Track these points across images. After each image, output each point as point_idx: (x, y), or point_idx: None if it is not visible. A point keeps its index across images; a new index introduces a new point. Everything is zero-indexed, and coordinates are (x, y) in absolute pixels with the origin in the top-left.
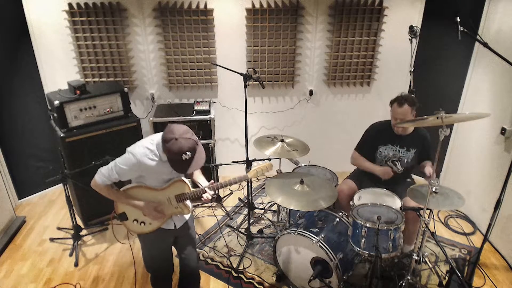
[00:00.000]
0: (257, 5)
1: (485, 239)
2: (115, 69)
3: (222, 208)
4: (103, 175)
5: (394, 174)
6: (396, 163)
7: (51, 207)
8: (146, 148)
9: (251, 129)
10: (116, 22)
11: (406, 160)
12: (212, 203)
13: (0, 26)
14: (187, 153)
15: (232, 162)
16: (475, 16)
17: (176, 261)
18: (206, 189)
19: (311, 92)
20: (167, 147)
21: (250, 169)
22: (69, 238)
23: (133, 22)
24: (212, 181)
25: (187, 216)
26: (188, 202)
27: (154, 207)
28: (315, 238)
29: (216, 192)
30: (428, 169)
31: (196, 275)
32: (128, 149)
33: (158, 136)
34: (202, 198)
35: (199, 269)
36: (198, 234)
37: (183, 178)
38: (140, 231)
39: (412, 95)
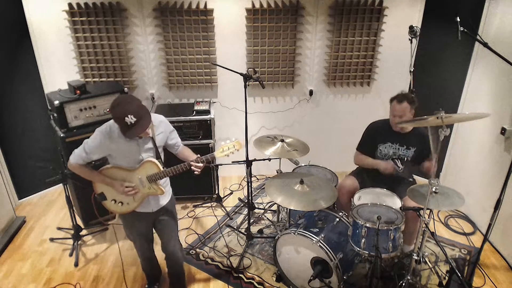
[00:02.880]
0: (257, 5)
1: (485, 239)
2: (115, 69)
3: (222, 208)
4: (75, 154)
5: (393, 172)
6: (396, 161)
7: (51, 207)
8: (109, 125)
9: (251, 129)
10: (116, 22)
11: (406, 159)
12: (212, 203)
13: (0, 26)
14: (129, 116)
15: (232, 162)
16: (475, 16)
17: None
18: (191, 163)
19: (311, 92)
20: (112, 114)
21: (250, 169)
22: (69, 238)
23: (133, 22)
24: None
25: (164, 201)
26: (161, 183)
27: (123, 184)
28: (315, 238)
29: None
30: (426, 164)
31: (175, 259)
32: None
33: None
34: (195, 172)
35: (179, 253)
36: (198, 234)
37: (153, 159)
38: (119, 211)
39: (412, 94)
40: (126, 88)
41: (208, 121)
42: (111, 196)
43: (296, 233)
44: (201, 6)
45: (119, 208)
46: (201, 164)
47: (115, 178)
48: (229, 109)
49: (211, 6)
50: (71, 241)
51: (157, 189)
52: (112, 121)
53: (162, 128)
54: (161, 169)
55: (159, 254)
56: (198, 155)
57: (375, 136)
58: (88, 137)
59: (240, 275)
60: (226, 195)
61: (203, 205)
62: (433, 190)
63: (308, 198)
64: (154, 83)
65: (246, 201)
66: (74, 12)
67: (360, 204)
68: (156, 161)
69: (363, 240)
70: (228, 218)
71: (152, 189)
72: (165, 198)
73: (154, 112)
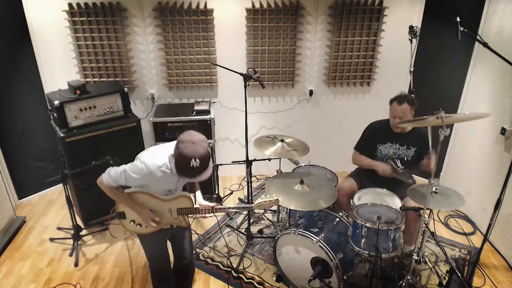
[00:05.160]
0: (257, 5)
1: (485, 239)
2: (115, 69)
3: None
4: (111, 177)
5: (393, 172)
6: (396, 161)
7: (51, 207)
8: (159, 160)
9: (251, 129)
10: (116, 22)
11: (406, 158)
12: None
13: (0, 26)
14: (197, 160)
15: (232, 162)
16: (475, 16)
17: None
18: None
19: (311, 92)
20: (180, 148)
21: (250, 169)
22: (69, 238)
23: (133, 22)
24: (215, 204)
25: None
26: (187, 216)
27: (152, 217)
28: (315, 238)
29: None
30: (424, 161)
31: (191, 267)
32: (141, 158)
33: (171, 146)
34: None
35: (193, 261)
36: (198, 234)
37: (188, 194)
38: (135, 231)
39: (412, 95)
40: (126, 88)
41: (208, 121)
42: (131, 217)
43: (296, 233)
44: (201, 6)
45: (136, 229)
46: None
47: (142, 203)
48: (229, 109)
49: (211, 6)
50: (71, 241)
51: (182, 221)
52: (167, 158)
53: None
54: (194, 205)
55: None
56: (249, 205)
57: (374, 136)
58: (88, 138)
59: (240, 275)
60: (226, 195)
61: None
62: (433, 190)
63: (308, 198)
64: (154, 83)
65: (246, 201)
66: (74, 12)
67: (360, 204)
68: (192, 197)
69: (363, 240)
70: (228, 218)
71: (177, 220)
72: (186, 226)
73: (154, 112)
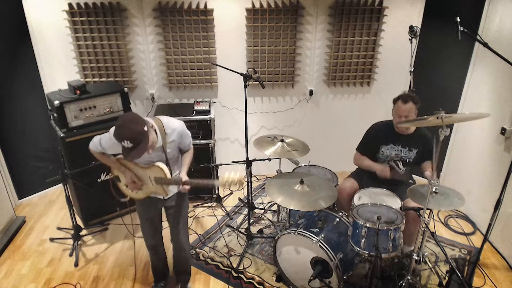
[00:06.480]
0: (257, 5)
1: (485, 239)
2: (115, 69)
3: (222, 208)
4: (94, 142)
5: (393, 175)
6: (398, 163)
7: (51, 207)
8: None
9: (251, 129)
10: (116, 22)
11: (408, 160)
12: (212, 203)
13: (0, 26)
14: (126, 141)
15: (232, 162)
16: (475, 16)
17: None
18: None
19: (311, 92)
20: (113, 132)
21: (250, 169)
22: (69, 238)
23: (133, 22)
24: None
25: (175, 189)
26: (166, 186)
27: (132, 178)
28: (315, 238)
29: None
30: (428, 173)
31: (182, 250)
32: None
33: None
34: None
35: (186, 245)
36: (198, 234)
37: (161, 165)
38: (130, 195)
39: (415, 94)
40: (126, 88)
41: (208, 121)
42: (124, 180)
43: (296, 233)
44: (201, 6)
45: (130, 193)
46: (188, 187)
47: (130, 169)
48: (229, 109)
49: (211, 6)
50: (71, 241)
51: (162, 192)
52: None
53: (174, 136)
54: (168, 176)
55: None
56: (212, 181)
57: (377, 138)
58: (88, 138)
59: (240, 275)
60: (226, 195)
61: (203, 205)
62: (433, 190)
63: (308, 198)
64: (154, 83)
65: (246, 201)
66: (74, 12)
67: (360, 204)
68: (164, 168)
69: (363, 240)
70: (228, 218)
71: (158, 189)
72: (175, 188)
73: (154, 113)
